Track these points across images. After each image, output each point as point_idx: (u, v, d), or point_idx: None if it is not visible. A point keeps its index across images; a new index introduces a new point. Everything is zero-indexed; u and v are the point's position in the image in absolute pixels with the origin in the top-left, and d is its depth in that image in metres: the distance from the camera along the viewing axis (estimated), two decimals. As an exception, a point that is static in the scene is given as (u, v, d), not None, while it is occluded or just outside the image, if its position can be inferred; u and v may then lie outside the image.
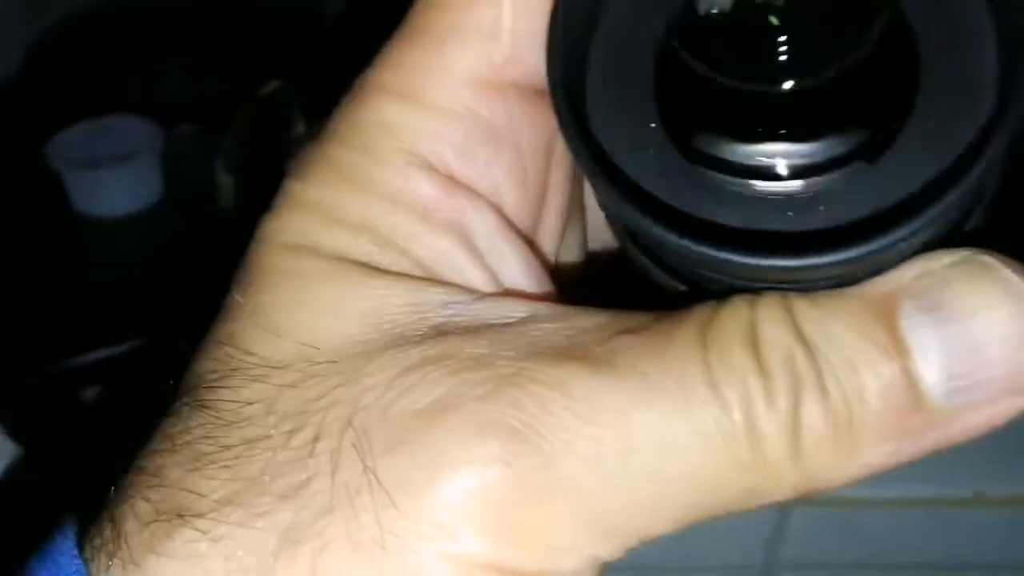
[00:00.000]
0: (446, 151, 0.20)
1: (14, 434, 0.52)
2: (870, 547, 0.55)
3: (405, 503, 0.17)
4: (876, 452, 0.18)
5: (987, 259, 0.18)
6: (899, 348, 0.17)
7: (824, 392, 0.17)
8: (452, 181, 0.20)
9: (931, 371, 0.17)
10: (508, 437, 0.17)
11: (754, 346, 0.17)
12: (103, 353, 0.50)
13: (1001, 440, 0.55)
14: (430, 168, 0.20)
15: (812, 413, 0.17)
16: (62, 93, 0.58)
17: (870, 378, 0.17)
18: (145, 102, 0.56)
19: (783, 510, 0.52)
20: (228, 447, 0.18)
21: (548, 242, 0.22)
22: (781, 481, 0.18)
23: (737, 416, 0.17)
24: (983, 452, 0.53)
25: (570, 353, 0.18)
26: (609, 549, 0.18)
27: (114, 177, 0.52)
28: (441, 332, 0.19)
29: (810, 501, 0.52)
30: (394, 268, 0.19)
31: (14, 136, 0.57)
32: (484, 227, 0.20)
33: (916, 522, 0.53)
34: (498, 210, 0.20)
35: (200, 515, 0.18)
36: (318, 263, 0.19)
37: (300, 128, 0.54)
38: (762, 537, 0.53)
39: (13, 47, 0.66)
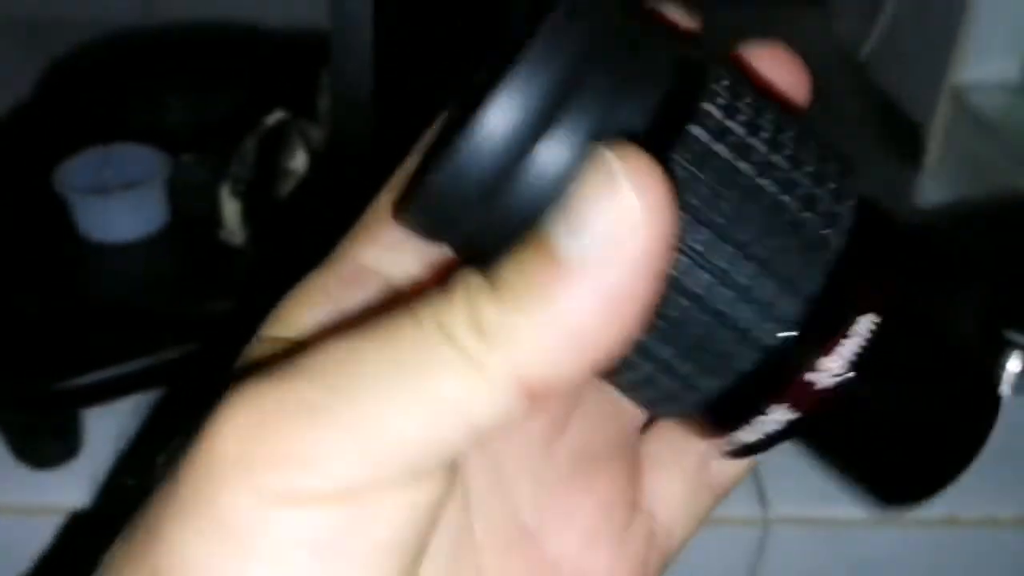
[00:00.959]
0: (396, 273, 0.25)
1: (17, 453, 0.53)
2: (847, 567, 0.56)
3: (197, 453, 0.22)
4: (544, 311, 0.21)
5: (603, 150, 0.21)
6: (544, 243, 0.21)
7: (493, 286, 0.21)
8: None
9: (565, 244, 0.21)
10: (271, 377, 0.22)
11: (443, 287, 0.22)
12: (107, 372, 0.51)
13: (974, 465, 0.57)
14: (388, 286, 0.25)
15: (483, 301, 0.21)
16: (68, 121, 0.59)
17: (522, 263, 0.21)
18: (149, 130, 0.57)
19: (764, 530, 0.53)
20: None
21: None
22: (491, 374, 0.21)
23: (428, 323, 0.21)
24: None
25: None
26: (373, 467, 0.21)
27: (120, 204, 0.53)
28: None
29: (789, 520, 0.53)
30: None
31: (22, 162, 0.59)
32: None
33: (892, 543, 0.55)
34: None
35: None
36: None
37: (301, 158, 0.56)
38: (744, 557, 0.55)
39: (20, 75, 0.67)
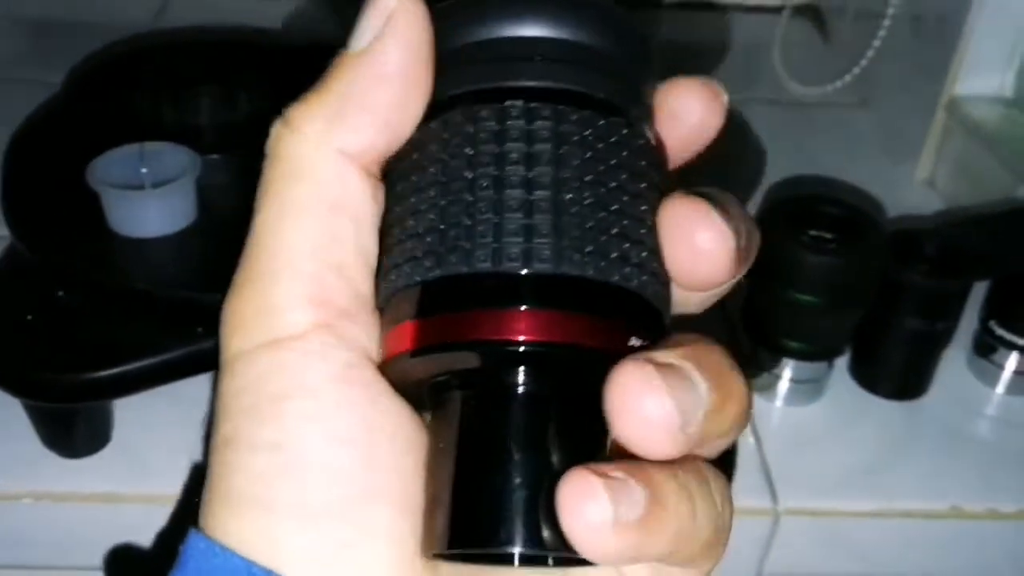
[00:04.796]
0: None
1: (49, 442, 0.55)
2: (853, 557, 0.58)
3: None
4: (338, 90, 0.26)
5: None
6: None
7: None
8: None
9: (352, 44, 0.26)
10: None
11: None
12: (138, 364, 0.52)
13: (976, 457, 0.59)
14: None
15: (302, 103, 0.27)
16: (103, 120, 0.60)
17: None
18: (179, 130, 0.58)
19: (774, 521, 0.55)
20: None
21: None
22: (314, 152, 0.26)
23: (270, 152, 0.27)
24: (959, 468, 0.57)
25: None
26: (307, 288, 0.26)
27: (152, 200, 0.54)
28: None
29: (797, 512, 0.55)
30: None
31: (56, 158, 0.60)
32: None
33: (895, 535, 0.57)
34: None
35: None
36: None
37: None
38: (755, 546, 0.56)
39: (54, 76, 0.68)
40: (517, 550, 0.24)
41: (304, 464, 0.25)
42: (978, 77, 0.77)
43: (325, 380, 0.25)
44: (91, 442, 0.55)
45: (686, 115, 0.27)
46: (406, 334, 0.25)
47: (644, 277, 0.25)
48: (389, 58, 0.25)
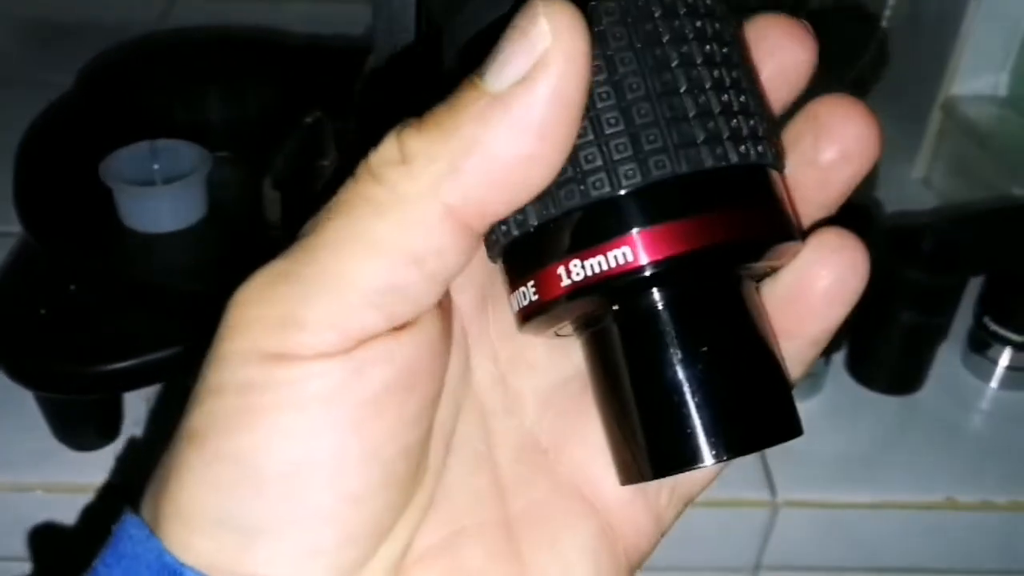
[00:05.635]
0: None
1: (60, 435, 0.55)
2: (850, 548, 0.59)
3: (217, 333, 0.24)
4: (464, 136, 0.22)
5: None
6: (472, 81, 0.22)
7: (420, 122, 0.22)
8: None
9: (488, 80, 0.22)
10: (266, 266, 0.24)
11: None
12: (148, 357, 0.53)
13: (970, 450, 0.60)
14: None
15: (408, 134, 0.22)
16: (114, 117, 0.61)
17: (450, 100, 0.22)
18: (189, 127, 0.59)
19: (772, 512, 0.56)
20: None
21: None
22: (416, 204, 0.22)
23: (361, 171, 0.23)
24: (954, 461, 0.58)
25: None
26: (348, 318, 0.23)
27: (163, 196, 0.55)
28: None
29: (795, 504, 0.55)
30: None
31: (71, 155, 0.61)
32: None
33: (892, 526, 0.58)
34: None
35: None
36: None
37: (332, 156, 0.58)
38: (754, 537, 0.57)
39: (60, 77, 0.69)
40: (720, 459, 0.24)
41: (262, 480, 0.23)
42: (974, 77, 0.78)
43: (316, 399, 0.23)
44: (101, 435, 0.56)
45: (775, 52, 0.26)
46: (629, 246, 0.23)
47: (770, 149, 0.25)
48: (531, 113, 0.21)
